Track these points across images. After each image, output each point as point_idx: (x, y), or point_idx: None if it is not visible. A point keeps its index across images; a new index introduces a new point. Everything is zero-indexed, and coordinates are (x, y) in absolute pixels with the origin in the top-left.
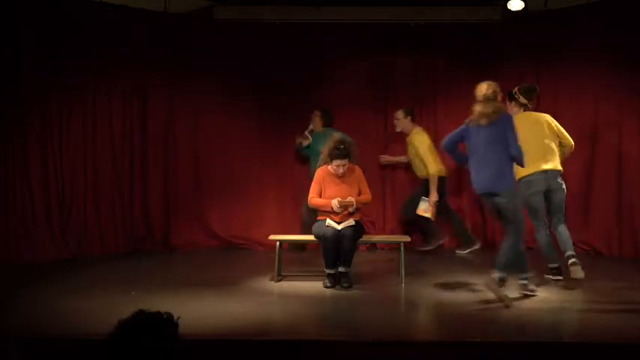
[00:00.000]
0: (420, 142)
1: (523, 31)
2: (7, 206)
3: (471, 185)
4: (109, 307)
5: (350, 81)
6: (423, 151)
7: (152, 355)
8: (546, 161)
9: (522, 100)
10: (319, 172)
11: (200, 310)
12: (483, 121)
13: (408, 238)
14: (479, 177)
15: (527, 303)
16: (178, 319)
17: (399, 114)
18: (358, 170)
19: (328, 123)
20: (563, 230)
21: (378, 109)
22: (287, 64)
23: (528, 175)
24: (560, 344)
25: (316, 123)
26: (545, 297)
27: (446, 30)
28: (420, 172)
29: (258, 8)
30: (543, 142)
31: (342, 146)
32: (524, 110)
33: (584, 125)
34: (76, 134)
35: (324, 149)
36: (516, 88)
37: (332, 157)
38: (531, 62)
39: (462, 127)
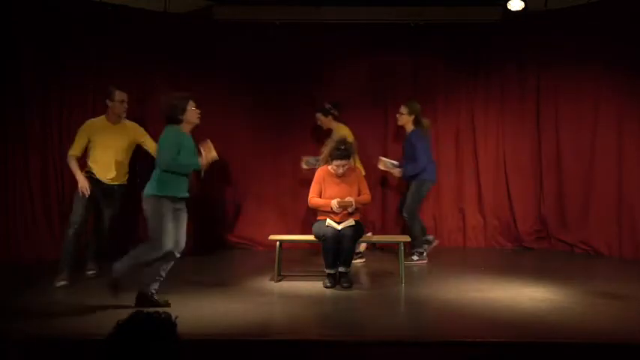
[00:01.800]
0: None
1: (523, 31)
2: (7, 206)
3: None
4: (109, 307)
5: (350, 81)
6: None
7: (151, 355)
8: None
9: (336, 113)
10: (319, 172)
11: (200, 310)
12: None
13: (408, 238)
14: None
15: (527, 303)
16: (176, 318)
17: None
18: (358, 170)
19: None
20: None
21: (378, 108)
22: (287, 64)
23: None
24: (561, 344)
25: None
26: (545, 297)
27: (446, 30)
28: None
29: (258, 8)
30: None
31: (343, 147)
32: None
33: (584, 125)
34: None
35: (325, 149)
36: (328, 105)
37: (333, 157)
38: (531, 62)
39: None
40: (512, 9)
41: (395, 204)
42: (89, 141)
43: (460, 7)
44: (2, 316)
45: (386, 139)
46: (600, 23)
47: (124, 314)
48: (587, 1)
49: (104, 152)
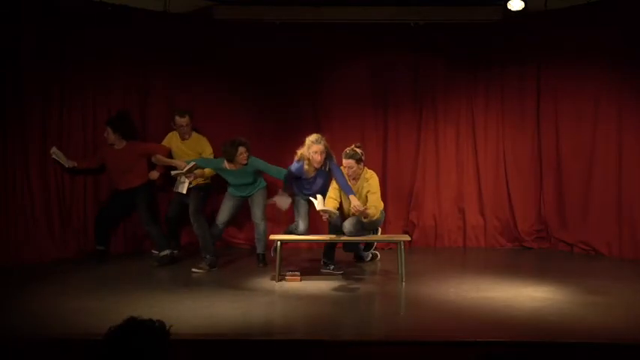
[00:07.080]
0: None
1: (523, 31)
2: (8, 207)
3: None
4: (109, 307)
5: (350, 81)
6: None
7: None
8: None
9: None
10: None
11: (200, 310)
12: None
13: (408, 238)
14: None
15: (527, 303)
16: (170, 327)
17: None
18: None
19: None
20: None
21: (378, 108)
22: (287, 64)
23: None
24: (561, 344)
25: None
26: (545, 297)
27: (446, 30)
28: None
29: (258, 8)
30: None
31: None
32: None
33: (584, 125)
34: (76, 134)
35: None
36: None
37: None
38: (531, 62)
39: None
40: (512, 9)
41: (398, 204)
42: None
43: (460, 7)
44: (2, 316)
45: (386, 138)
46: (600, 23)
47: (125, 314)
48: (587, 1)
49: None
